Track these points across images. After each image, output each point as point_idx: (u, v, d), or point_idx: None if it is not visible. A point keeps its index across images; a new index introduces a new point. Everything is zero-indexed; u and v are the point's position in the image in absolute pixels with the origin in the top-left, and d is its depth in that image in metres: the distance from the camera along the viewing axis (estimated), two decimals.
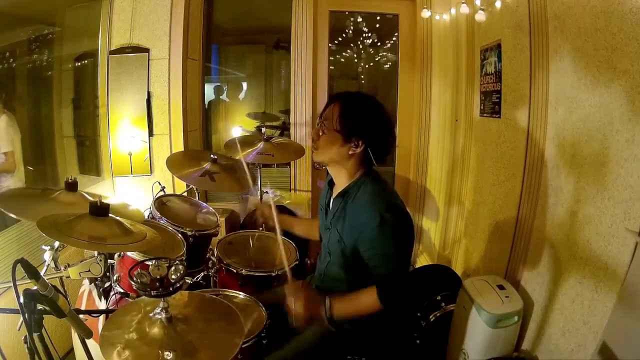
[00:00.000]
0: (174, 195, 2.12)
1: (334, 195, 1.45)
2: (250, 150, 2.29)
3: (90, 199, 1.43)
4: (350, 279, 1.43)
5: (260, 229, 2.05)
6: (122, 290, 1.45)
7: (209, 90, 3.27)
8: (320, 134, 1.35)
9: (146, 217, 1.74)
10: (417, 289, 2.04)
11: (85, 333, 1.00)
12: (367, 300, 1.31)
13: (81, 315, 1.12)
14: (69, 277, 1.27)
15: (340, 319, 1.32)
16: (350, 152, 1.33)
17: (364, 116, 1.32)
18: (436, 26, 2.77)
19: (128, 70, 2.58)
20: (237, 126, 3.31)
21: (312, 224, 1.75)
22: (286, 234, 2.05)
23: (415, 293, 1.99)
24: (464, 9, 2.18)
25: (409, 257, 1.38)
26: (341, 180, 1.41)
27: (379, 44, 3.23)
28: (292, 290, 1.34)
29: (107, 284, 1.51)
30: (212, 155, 2.04)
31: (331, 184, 1.50)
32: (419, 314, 1.95)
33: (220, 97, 3.44)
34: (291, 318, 1.31)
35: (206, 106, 3.21)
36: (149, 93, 2.62)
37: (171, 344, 0.94)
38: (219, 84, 3.41)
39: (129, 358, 0.90)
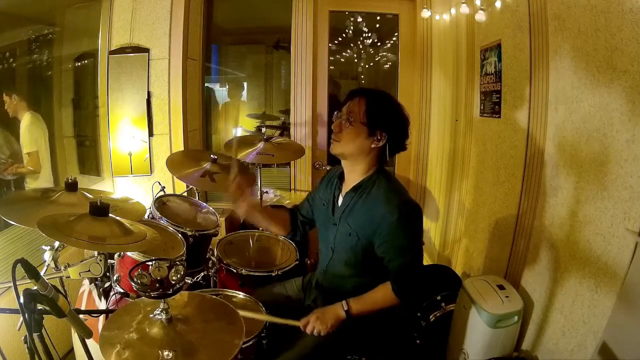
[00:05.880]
0: (174, 195, 2.12)
1: (344, 190, 1.46)
2: (250, 150, 2.29)
3: (90, 196, 1.44)
4: (354, 275, 1.44)
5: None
6: (122, 290, 1.45)
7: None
8: (347, 126, 1.36)
9: (146, 217, 1.74)
10: (431, 282, 2.06)
11: (85, 333, 1.00)
12: (383, 294, 1.34)
13: (81, 315, 1.12)
14: (69, 277, 1.27)
15: (359, 315, 1.34)
16: (372, 146, 1.36)
17: (389, 110, 1.37)
18: (436, 26, 2.76)
19: (128, 70, 2.58)
20: (237, 126, 3.30)
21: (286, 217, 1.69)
22: None
23: (430, 286, 2.00)
24: (464, 9, 2.18)
25: (422, 250, 1.41)
26: (354, 176, 1.43)
27: (379, 44, 3.23)
28: (305, 321, 1.35)
29: (107, 284, 1.51)
30: (212, 155, 2.05)
31: (341, 178, 1.50)
32: (419, 314, 1.95)
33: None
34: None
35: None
36: (149, 93, 2.62)
37: (171, 344, 0.94)
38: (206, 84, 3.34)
39: (129, 358, 0.90)
